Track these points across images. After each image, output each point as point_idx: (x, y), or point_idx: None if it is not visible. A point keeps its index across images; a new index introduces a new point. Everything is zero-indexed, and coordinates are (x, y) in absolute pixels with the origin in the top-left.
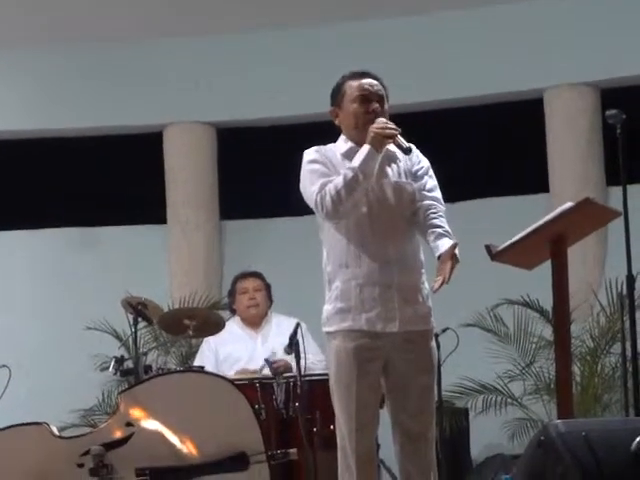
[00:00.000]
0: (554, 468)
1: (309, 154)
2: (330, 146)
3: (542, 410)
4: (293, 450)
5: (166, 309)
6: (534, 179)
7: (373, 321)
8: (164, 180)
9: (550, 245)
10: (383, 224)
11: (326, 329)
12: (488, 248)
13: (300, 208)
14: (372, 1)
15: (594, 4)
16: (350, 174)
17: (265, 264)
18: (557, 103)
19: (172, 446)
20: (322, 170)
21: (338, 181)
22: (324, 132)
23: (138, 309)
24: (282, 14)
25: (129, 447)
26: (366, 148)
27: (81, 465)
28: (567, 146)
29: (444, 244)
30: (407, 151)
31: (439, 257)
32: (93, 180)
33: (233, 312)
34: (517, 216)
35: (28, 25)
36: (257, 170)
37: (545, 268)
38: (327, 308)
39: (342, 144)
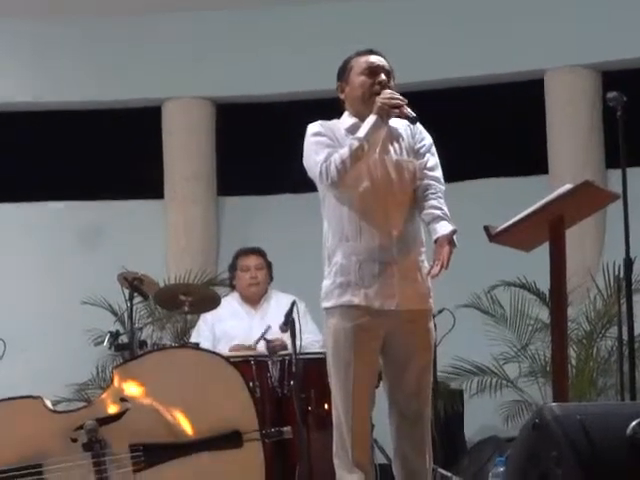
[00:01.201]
0: (549, 451)
1: (313, 127)
2: (334, 121)
3: (537, 393)
4: (287, 428)
5: (162, 285)
6: (533, 160)
7: (371, 297)
8: (162, 155)
9: (548, 227)
10: (385, 200)
11: (324, 304)
12: (487, 229)
13: (298, 185)
14: None
15: None
16: (356, 143)
17: (262, 241)
18: (558, 85)
19: (166, 422)
20: (327, 142)
21: (344, 151)
22: (324, 109)
23: (134, 284)
24: None
25: (123, 422)
26: (372, 118)
27: (75, 440)
28: (567, 128)
29: (442, 227)
30: (414, 120)
31: (436, 240)
32: (91, 153)
33: (233, 287)
34: (516, 197)
35: None
36: (255, 146)
37: (543, 250)
38: (326, 283)
39: (346, 119)
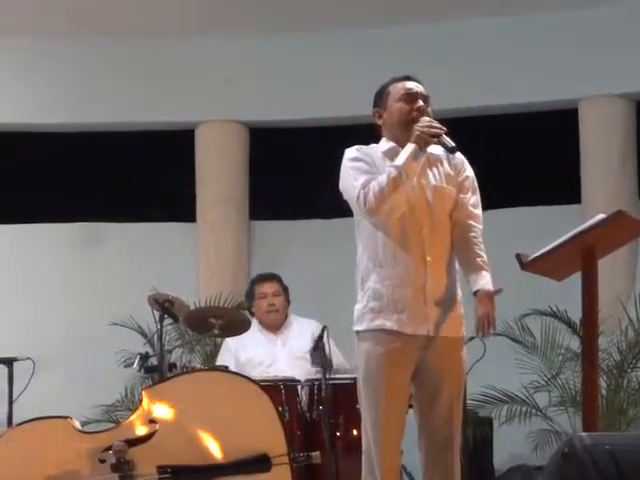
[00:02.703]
0: None
1: (351, 152)
2: (371, 146)
3: (567, 422)
4: (316, 453)
5: (192, 307)
6: (566, 190)
7: (404, 323)
8: (195, 178)
9: (581, 257)
10: (421, 227)
11: (356, 328)
12: (519, 257)
13: (329, 210)
14: (409, 5)
15: (630, 16)
16: (394, 172)
17: (293, 265)
18: (592, 114)
19: (194, 445)
20: (365, 167)
21: (382, 178)
22: (358, 134)
23: (164, 306)
24: (317, 16)
25: (151, 444)
26: (410, 146)
27: (103, 461)
28: (600, 157)
29: (484, 281)
30: (452, 150)
31: (476, 292)
32: (124, 175)
33: (252, 315)
34: (548, 226)
35: (61, 16)
36: (288, 171)
37: (574, 279)
38: (358, 307)
39: (384, 144)
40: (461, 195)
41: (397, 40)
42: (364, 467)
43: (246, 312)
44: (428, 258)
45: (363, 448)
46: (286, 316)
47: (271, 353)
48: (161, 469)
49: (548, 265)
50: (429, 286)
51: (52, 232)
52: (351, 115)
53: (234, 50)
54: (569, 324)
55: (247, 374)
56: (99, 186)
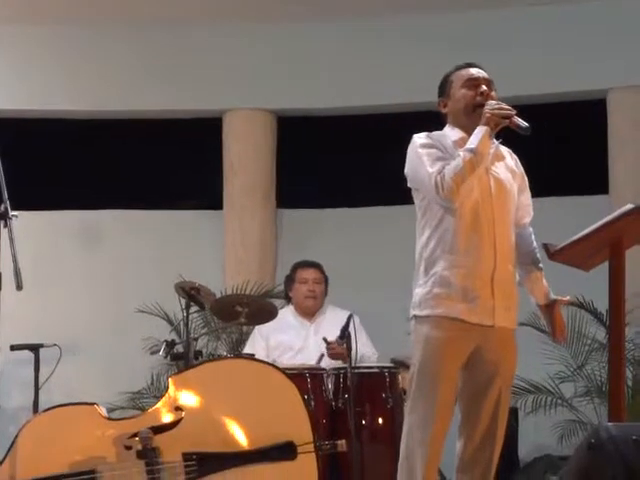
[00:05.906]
0: (603, 471)
1: (422, 138)
2: (439, 133)
3: (592, 413)
4: (342, 441)
5: (219, 295)
6: (594, 180)
7: (471, 312)
8: (222, 166)
9: (608, 247)
10: (492, 215)
11: (416, 312)
12: (546, 247)
13: (357, 199)
14: None
15: None
16: (468, 154)
17: (319, 254)
18: (621, 104)
19: (220, 432)
20: (438, 154)
21: (457, 162)
22: (385, 123)
23: (191, 294)
24: (344, 5)
25: (177, 431)
26: (482, 129)
27: (129, 447)
28: (629, 148)
29: (548, 290)
30: (526, 130)
31: (552, 302)
32: (151, 163)
33: (288, 299)
34: (575, 216)
35: (92, 4)
36: (315, 159)
37: (601, 269)
38: (420, 292)
39: (451, 132)
40: (523, 197)
41: (432, 29)
42: (402, 451)
43: (273, 300)
44: (498, 247)
45: (404, 432)
46: (322, 305)
47: (302, 339)
48: (187, 456)
49: (575, 255)
50: (497, 276)
51: (79, 219)
52: (378, 104)
53: (262, 38)
54: (596, 315)
55: (276, 358)
56: (126, 174)
